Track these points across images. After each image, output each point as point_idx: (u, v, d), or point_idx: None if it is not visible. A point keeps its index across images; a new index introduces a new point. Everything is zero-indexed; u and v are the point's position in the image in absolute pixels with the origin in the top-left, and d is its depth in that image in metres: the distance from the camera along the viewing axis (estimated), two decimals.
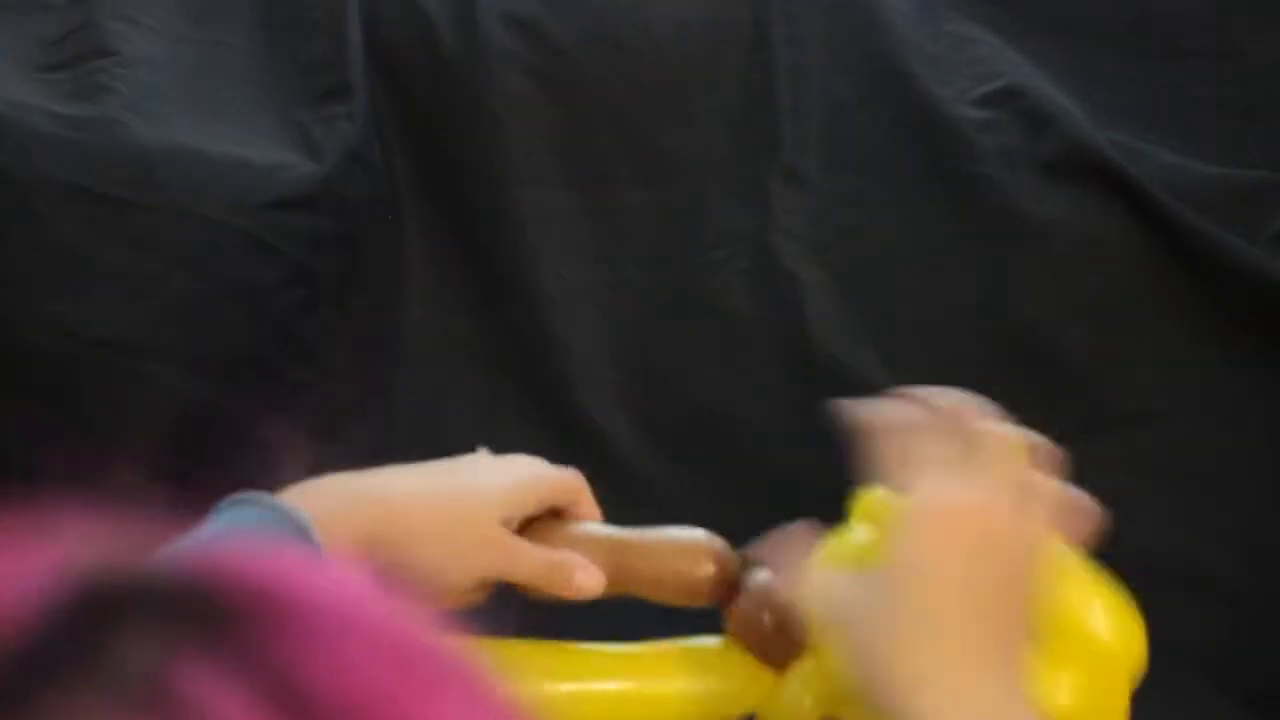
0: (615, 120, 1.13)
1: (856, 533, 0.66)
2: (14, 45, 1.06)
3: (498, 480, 0.64)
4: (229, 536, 0.53)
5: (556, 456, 0.76)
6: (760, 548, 0.71)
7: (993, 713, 0.53)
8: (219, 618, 0.28)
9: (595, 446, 1.03)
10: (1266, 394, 0.99)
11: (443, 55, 1.11)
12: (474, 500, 0.63)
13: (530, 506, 0.66)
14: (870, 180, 1.09)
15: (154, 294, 0.98)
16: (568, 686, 0.68)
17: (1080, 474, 1.02)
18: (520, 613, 0.68)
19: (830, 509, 1.04)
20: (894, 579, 0.56)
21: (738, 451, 1.05)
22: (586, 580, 0.66)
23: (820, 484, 0.99)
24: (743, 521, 0.75)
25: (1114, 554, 1.01)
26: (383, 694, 0.28)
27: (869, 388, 1.05)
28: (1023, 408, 1.05)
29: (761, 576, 0.69)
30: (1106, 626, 0.66)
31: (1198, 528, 0.98)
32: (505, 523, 0.64)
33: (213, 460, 0.64)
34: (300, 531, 0.54)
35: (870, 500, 0.66)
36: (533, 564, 0.64)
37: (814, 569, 0.63)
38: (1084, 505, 0.62)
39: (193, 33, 1.12)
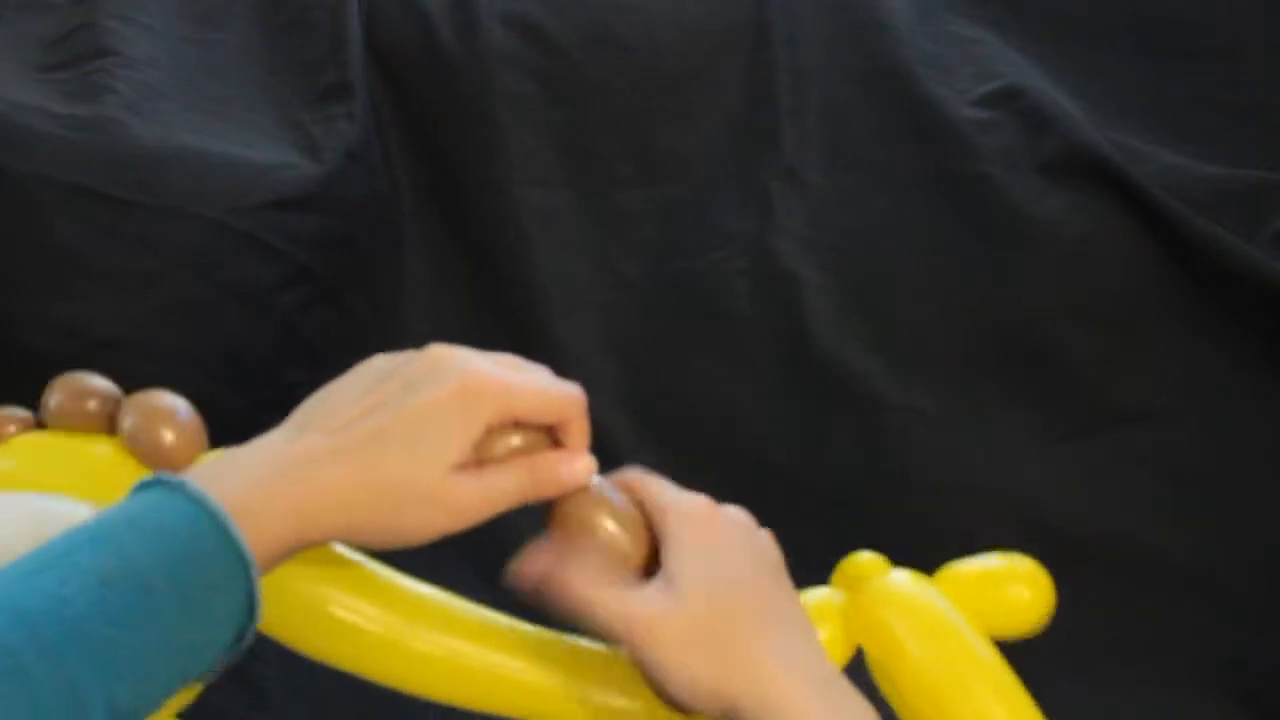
0: (615, 120, 1.13)
1: (817, 593, 0.64)
2: (14, 45, 1.06)
3: (440, 424, 0.54)
4: None
5: None
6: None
7: (804, 664, 0.55)
8: None
9: (594, 445, 1.03)
10: (1267, 394, 0.99)
11: (443, 55, 1.12)
12: (410, 471, 0.53)
13: (486, 421, 0.55)
14: (870, 180, 1.09)
15: (154, 294, 0.98)
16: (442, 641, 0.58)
17: (1080, 474, 1.03)
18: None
19: (829, 507, 1.05)
20: (696, 566, 0.56)
21: (737, 450, 1.05)
22: (576, 469, 0.58)
23: (820, 482, 0.99)
24: None
25: (1114, 553, 1.01)
26: None
27: (868, 387, 1.06)
28: (1023, 407, 1.06)
29: (596, 479, 0.60)
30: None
31: (1198, 528, 0.98)
32: (460, 467, 0.54)
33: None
34: (212, 518, 0.49)
35: (849, 567, 0.64)
36: (507, 490, 0.55)
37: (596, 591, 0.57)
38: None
39: (193, 33, 1.12)
